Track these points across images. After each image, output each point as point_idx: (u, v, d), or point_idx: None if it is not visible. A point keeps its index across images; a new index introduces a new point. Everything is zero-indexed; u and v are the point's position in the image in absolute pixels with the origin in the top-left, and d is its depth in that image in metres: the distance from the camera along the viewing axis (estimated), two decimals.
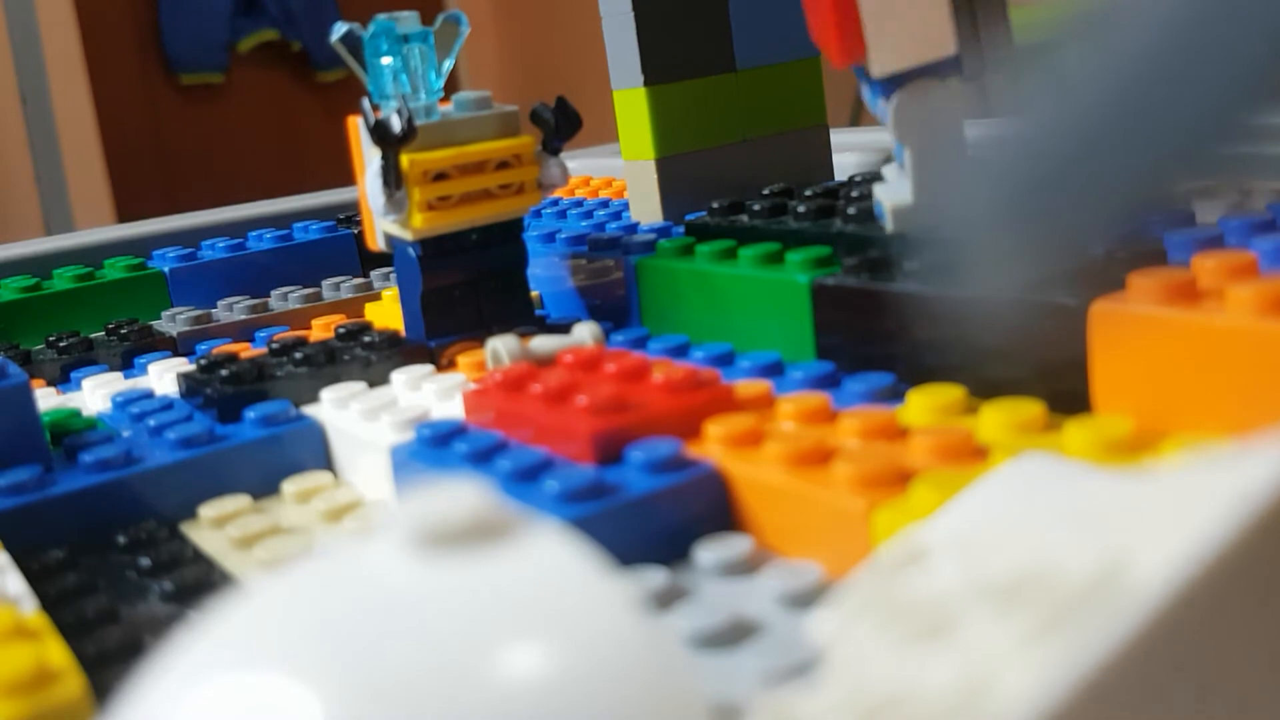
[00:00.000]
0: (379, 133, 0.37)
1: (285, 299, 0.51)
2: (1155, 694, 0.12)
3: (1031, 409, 0.27)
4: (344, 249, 0.56)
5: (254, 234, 0.57)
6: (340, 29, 0.38)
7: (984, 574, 0.14)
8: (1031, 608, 0.13)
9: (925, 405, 0.29)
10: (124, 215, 1.91)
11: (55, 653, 0.22)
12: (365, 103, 0.38)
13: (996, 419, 0.27)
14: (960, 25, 0.32)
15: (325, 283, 0.52)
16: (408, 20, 0.38)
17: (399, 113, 0.37)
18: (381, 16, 0.37)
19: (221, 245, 0.55)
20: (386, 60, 0.38)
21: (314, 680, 0.14)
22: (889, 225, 0.34)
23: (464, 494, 0.15)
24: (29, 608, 0.24)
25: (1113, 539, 0.14)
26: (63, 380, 0.46)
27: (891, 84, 0.33)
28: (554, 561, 0.15)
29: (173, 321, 0.50)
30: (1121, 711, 0.12)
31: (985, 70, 0.33)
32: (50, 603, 0.27)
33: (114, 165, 1.99)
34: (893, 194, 0.34)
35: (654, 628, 0.14)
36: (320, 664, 0.14)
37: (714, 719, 0.19)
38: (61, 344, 0.47)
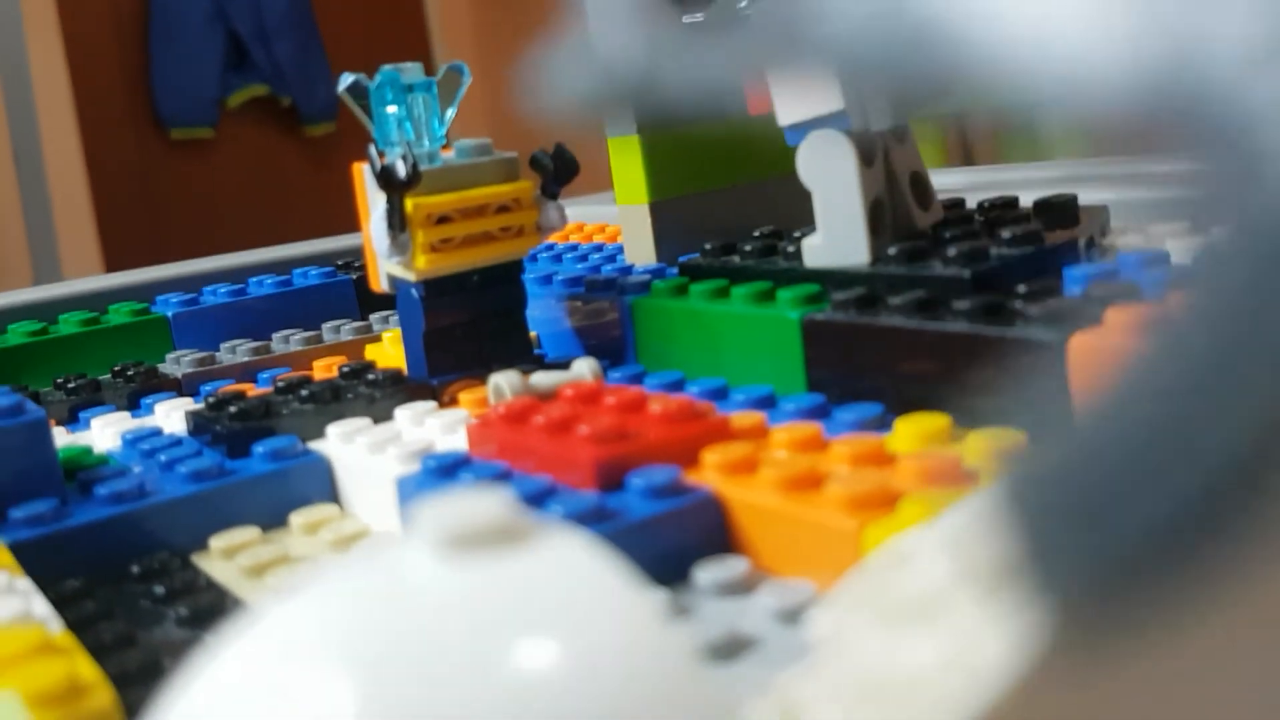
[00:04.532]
0: (384, 178, 0.38)
1: (286, 341, 0.52)
2: None
3: (1015, 438, 0.28)
4: (343, 293, 0.57)
5: (254, 279, 0.58)
6: (347, 79, 0.39)
7: (971, 566, 0.15)
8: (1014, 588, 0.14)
9: (912, 433, 0.30)
10: (113, 269, 1.91)
11: (84, 667, 0.22)
12: (371, 149, 0.39)
13: (981, 446, 0.28)
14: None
15: (325, 326, 0.53)
16: (412, 71, 0.40)
17: (404, 159, 0.38)
18: (387, 67, 0.39)
19: (223, 290, 0.57)
20: (392, 109, 0.39)
21: (343, 673, 0.15)
22: (805, 261, 0.39)
23: (484, 501, 0.16)
24: (56, 628, 0.25)
25: None
26: (71, 420, 0.47)
27: (797, 134, 0.38)
28: (572, 564, 0.16)
29: (177, 364, 0.51)
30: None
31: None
32: (69, 628, 0.28)
33: (104, 219, 2.00)
34: (811, 233, 0.39)
35: (669, 628, 0.15)
36: (349, 658, 0.15)
37: (725, 716, 0.20)
38: (69, 386, 0.48)
